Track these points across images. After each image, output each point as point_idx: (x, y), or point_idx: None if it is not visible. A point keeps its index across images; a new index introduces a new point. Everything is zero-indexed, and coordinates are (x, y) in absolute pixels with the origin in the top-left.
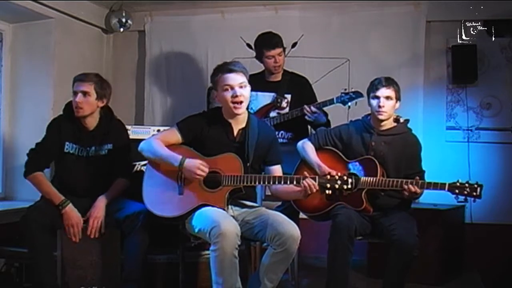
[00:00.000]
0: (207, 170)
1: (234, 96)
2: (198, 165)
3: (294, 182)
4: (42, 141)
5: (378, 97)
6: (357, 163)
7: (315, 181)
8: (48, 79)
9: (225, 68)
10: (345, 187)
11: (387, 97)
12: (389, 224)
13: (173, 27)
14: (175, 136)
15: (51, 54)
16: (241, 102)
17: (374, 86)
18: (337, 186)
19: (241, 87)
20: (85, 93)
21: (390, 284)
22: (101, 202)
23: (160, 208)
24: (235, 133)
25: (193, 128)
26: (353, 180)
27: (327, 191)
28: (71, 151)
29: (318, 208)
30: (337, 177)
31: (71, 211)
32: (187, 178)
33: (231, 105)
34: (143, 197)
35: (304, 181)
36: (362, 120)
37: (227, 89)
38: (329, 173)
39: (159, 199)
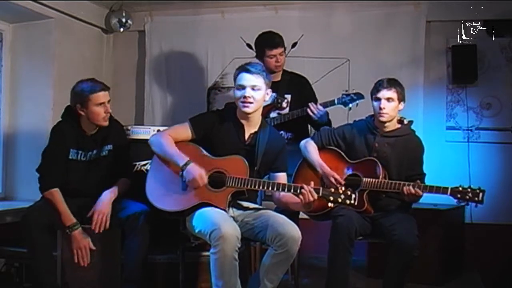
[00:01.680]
0: (206, 181)
1: (243, 96)
2: (200, 172)
3: (298, 191)
4: (49, 152)
5: (379, 99)
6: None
7: (318, 193)
8: (48, 79)
9: (243, 67)
10: (347, 202)
11: (388, 99)
12: (389, 224)
13: (173, 27)
14: (186, 131)
15: (51, 54)
16: (250, 102)
17: (375, 88)
18: (340, 200)
19: (253, 89)
20: (109, 101)
21: (390, 284)
22: (106, 197)
23: (162, 201)
24: (247, 136)
25: (205, 125)
26: (357, 196)
27: (329, 204)
28: (74, 158)
29: (318, 208)
30: (341, 191)
31: (80, 234)
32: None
33: (240, 103)
34: (146, 188)
35: (305, 192)
36: (366, 121)
37: (239, 88)
38: (334, 186)
39: (161, 192)
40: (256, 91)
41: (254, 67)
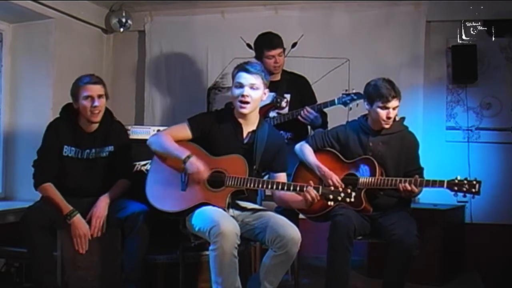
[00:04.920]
0: (206, 176)
1: (241, 95)
2: (202, 165)
3: (298, 189)
4: (42, 148)
5: (387, 108)
6: (364, 165)
7: (318, 191)
8: (48, 79)
9: (242, 66)
10: (347, 200)
11: (395, 108)
12: (388, 224)
13: (173, 27)
14: (185, 131)
15: (51, 54)
16: (247, 103)
17: (384, 96)
18: (340, 198)
19: (251, 88)
20: (100, 96)
21: (390, 284)
22: (102, 202)
23: (162, 202)
24: (245, 134)
25: (203, 125)
26: (356, 194)
27: (329, 202)
28: (69, 155)
29: (318, 209)
30: (340, 189)
31: (79, 222)
32: (189, 174)
33: (238, 103)
34: (146, 190)
35: (306, 192)
36: (359, 121)
37: (237, 86)
38: (333, 184)
39: (161, 193)
40: (254, 90)
41: (253, 67)
